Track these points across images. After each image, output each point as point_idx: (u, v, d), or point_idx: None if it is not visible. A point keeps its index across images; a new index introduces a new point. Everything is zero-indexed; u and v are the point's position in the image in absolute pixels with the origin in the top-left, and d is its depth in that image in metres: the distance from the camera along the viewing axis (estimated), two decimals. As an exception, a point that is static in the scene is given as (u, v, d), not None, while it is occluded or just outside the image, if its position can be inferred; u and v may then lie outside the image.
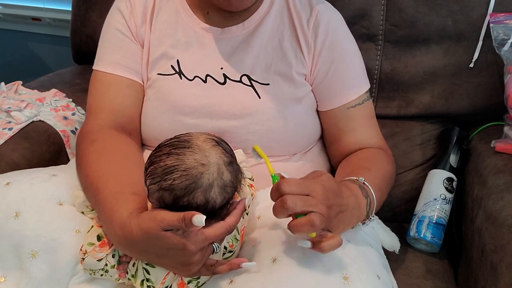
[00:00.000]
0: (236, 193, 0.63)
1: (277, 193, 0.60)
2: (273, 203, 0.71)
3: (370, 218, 0.73)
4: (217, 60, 0.84)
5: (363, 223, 0.73)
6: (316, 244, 0.60)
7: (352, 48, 0.89)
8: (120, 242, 0.63)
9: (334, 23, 0.86)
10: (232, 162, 0.61)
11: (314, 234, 0.61)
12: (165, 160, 0.58)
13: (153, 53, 0.86)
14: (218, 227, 0.59)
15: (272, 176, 0.64)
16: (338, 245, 0.60)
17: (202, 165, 0.58)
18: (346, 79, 0.87)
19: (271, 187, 0.62)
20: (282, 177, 0.63)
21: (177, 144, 0.59)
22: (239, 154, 0.80)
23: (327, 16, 0.85)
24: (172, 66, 0.85)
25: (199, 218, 0.55)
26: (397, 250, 0.83)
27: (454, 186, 0.96)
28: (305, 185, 0.61)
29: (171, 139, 0.61)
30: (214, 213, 0.60)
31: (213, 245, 0.62)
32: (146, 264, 0.65)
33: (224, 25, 0.85)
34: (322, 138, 0.95)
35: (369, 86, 0.90)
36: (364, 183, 0.73)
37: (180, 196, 0.58)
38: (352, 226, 0.70)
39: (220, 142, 0.61)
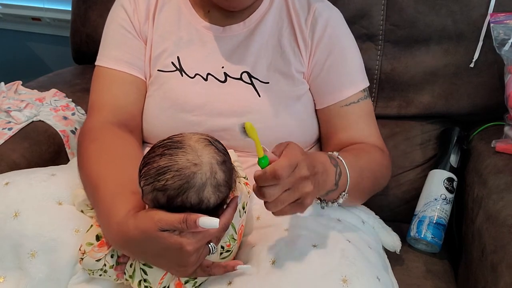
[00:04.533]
0: (231, 192, 0.63)
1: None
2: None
3: (342, 194, 0.73)
4: (218, 59, 0.85)
5: (334, 202, 0.73)
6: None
7: (350, 45, 0.88)
8: (117, 241, 0.63)
9: (332, 21, 0.86)
10: (225, 161, 0.60)
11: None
12: (158, 161, 0.58)
13: (155, 50, 0.86)
14: None
15: (260, 159, 0.59)
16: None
17: (195, 165, 0.58)
18: (341, 76, 0.86)
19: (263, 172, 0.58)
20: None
21: (170, 145, 0.59)
22: (232, 154, 0.80)
23: (326, 14, 0.85)
24: (172, 62, 0.85)
25: (211, 221, 0.56)
26: (398, 250, 0.83)
27: (455, 186, 0.96)
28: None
29: (164, 140, 0.61)
30: (209, 213, 0.60)
31: (210, 245, 0.62)
32: (144, 264, 0.64)
33: (225, 24, 0.85)
34: (319, 139, 0.94)
35: (367, 84, 0.89)
36: (338, 156, 0.73)
37: (173, 196, 0.58)
38: (326, 193, 0.70)
39: (213, 142, 0.61)
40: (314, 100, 0.88)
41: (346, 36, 0.89)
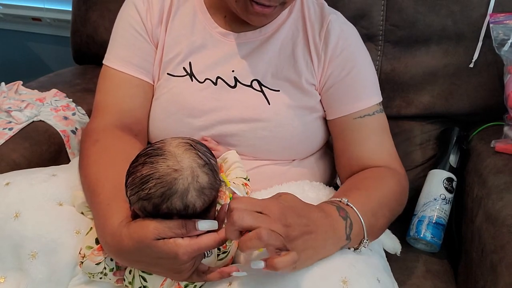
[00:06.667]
0: (224, 193, 0.63)
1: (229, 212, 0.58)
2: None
3: (363, 241, 0.67)
4: (229, 63, 0.83)
5: (356, 249, 0.67)
6: (269, 262, 0.56)
7: (364, 60, 0.86)
8: (111, 251, 0.63)
9: (345, 34, 0.84)
10: (207, 163, 0.59)
11: (261, 250, 0.58)
12: (140, 170, 0.58)
13: (167, 54, 0.85)
14: (211, 238, 0.59)
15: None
16: (293, 262, 0.56)
17: (175, 171, 0.57)
18: (355, 89, 0.83)
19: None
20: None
21: (150, 153, 0.59)
22: (233, 155, 0.80)
23: (339, 28, 0.83)
24: (184, 68, 0.84)
25: (210, 224, 0.57)
26: (398, 253, 0.82)
27: (454, 186, 0.96)
28: (258, 203, 0.58)
29: (146, 148, 0.61)
30: (199, 216, 0.59)
31: None
32: (143, 271, 0.64)
33: (241, 30, 0.84)
34: (322, 147, 0.92)
35: (381, 99, 0.85)
36: (347, 204, 0.68)
37: (158, 203, 0.57)
38: (331, 251, 0.64)
39: (194, 145, 0.60)
40: (324, 111, 0.86)
41: (360, 51, 0.86)
